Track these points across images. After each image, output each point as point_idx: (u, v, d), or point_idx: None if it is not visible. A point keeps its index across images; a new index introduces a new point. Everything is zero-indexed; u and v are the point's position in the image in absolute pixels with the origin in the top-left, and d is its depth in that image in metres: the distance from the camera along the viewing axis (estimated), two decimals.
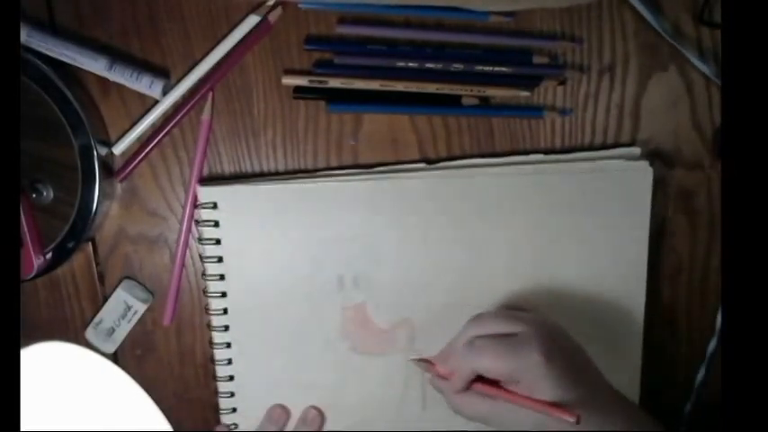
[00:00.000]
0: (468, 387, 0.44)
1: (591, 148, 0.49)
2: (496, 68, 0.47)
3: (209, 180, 0.49)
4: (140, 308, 0.51)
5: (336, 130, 0.49)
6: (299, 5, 0.46)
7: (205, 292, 0.50)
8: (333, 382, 0.51)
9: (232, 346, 0.50)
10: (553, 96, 0.49)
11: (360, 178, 0.49)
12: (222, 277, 0.49)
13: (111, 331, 0.51)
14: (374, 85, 0.47)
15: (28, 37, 0.45)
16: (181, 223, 0.50)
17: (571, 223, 0.49)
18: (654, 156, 0.49)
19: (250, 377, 0.51)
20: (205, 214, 0.48)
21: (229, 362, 0.50)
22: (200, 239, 0.49)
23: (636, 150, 0.49)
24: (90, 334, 0.52)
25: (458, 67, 0.47)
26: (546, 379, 0.40)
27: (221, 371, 0.51)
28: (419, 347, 0.51)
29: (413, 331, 0.50)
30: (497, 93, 0.48)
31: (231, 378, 0.51)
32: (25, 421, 0.50)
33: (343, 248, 0.49)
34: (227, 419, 0.52)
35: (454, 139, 0.49)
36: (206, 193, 0.48)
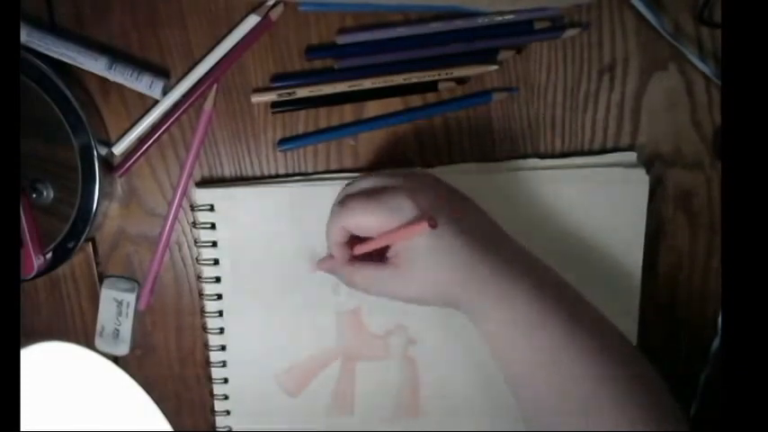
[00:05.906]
0: (351, 256, 0.42)
1: (590, 151, 0.49)
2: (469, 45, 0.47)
3: (204, 182, 0.49)
4: (130, 298, 0.51)
5: None
6: (300, 8, 0.46)
7: (201, 294, 0.50)
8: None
9: (227, 349, 0.50)
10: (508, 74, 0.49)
11: None
12: (218, 280, 0.49)
13: (117, 333, 0.51)
14: (342, 87, 0.47)
15: (28, 37, 0.45)
16: (170, 205, 0.49)
17: (567, 229, 0.48)
18: (653, 156, 0.49)
19: (244, 380, 0.51)
20: (202, 216, 0.48)
21: (224, 364, 0.50)
22: (196, 242, 0.49)
23: (632, 156, 0.49)
24: (99, 343, 0.51)
25: (433, 51, 0.47)
26: (410, 210, 0.38)
27: (216, 373, 0.51)
28: (412, 354, 0.50)
29: (407, 337, 0.50)
30: (467, 72, 0.47)
31: (226, 381, 0.51)
32: (25, 421, 0.50)
33: None
34: (221, 422, 0.52)
35: (455, 140, 0.49)
36: (203, 195, 0.48)
